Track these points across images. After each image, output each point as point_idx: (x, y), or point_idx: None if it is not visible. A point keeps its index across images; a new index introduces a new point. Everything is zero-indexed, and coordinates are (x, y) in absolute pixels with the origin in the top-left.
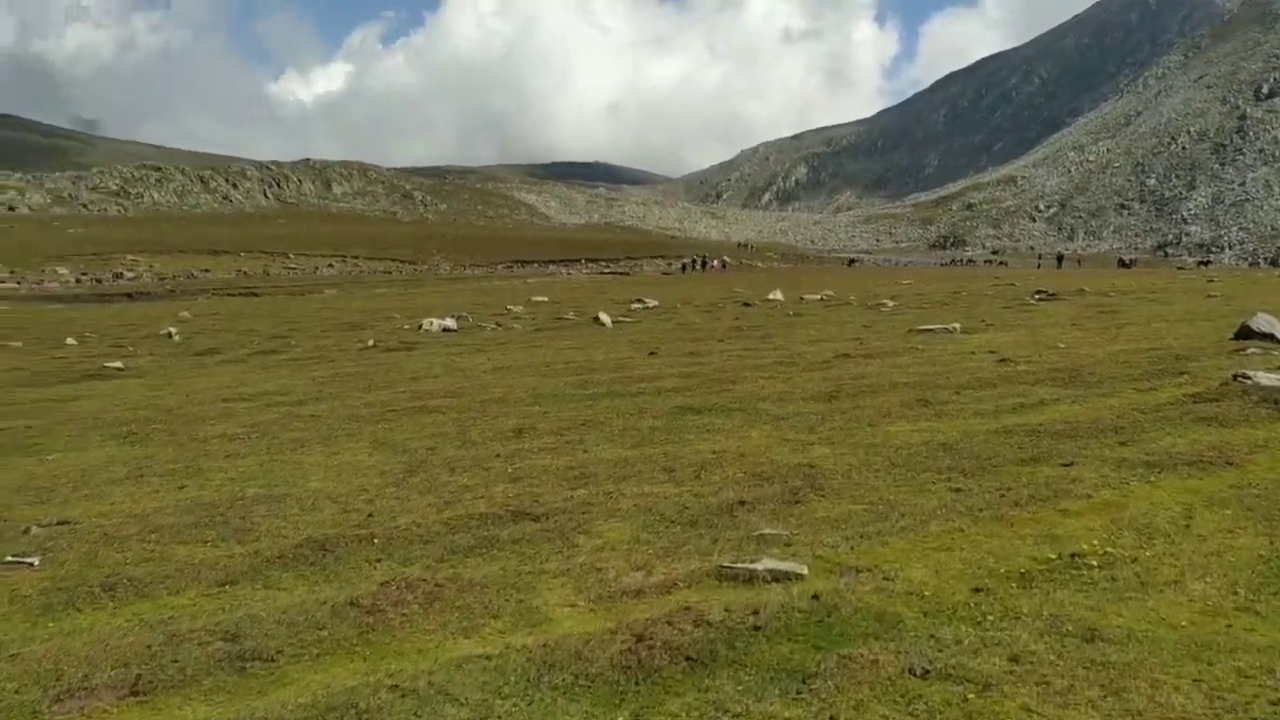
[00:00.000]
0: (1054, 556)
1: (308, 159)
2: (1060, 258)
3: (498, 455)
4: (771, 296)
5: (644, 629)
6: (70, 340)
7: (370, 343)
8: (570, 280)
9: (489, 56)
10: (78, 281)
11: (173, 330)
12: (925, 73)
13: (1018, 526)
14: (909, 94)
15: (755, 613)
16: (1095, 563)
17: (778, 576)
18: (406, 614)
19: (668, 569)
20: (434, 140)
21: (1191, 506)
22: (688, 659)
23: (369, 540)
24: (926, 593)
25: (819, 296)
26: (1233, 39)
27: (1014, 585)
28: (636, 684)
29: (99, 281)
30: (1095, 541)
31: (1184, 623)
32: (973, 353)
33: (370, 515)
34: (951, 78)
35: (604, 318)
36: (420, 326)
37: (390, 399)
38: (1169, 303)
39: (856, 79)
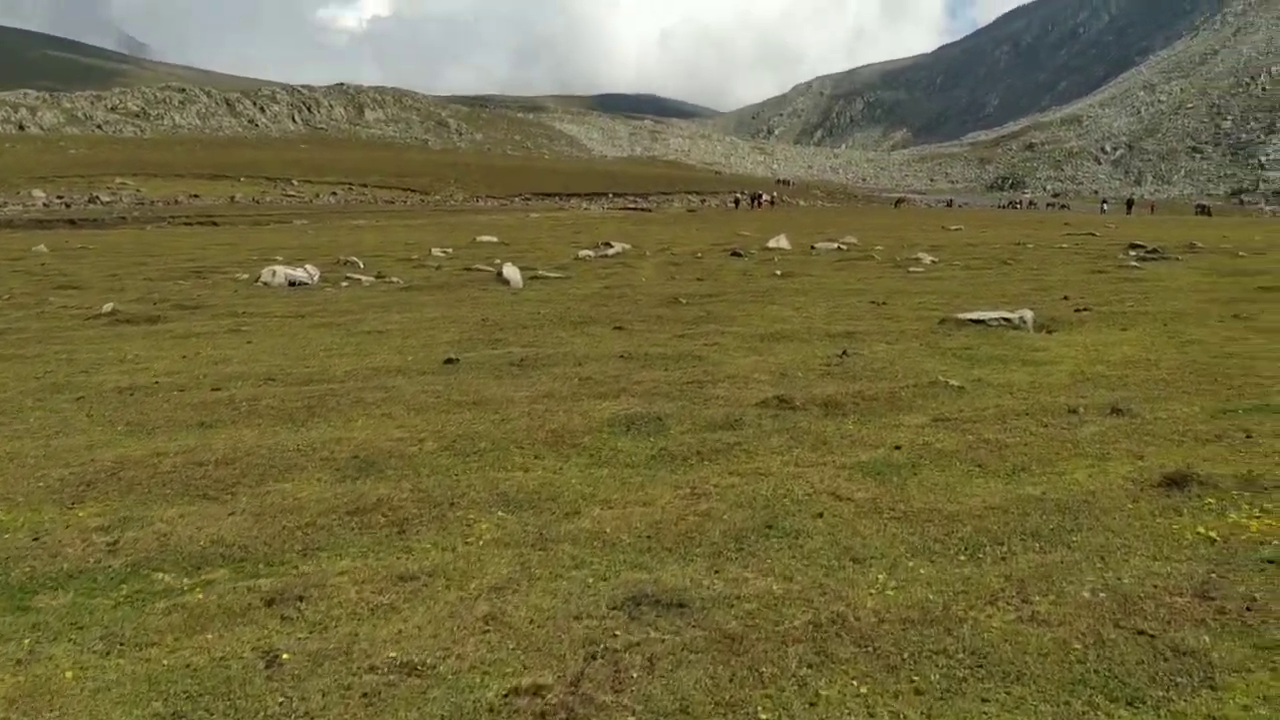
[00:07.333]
0: None
1: (341, 83)
2: (1130, 203)
3: None
4: (772, 244)
5: None
6: None
7: (109, 308)
8: (580, 216)
9: None
10: (46, 205)
11: None
12: (985, 14)
13: None
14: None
15: None
16: None
17: None
18: None
19: None
20: (486, 69)
21: None
22: None
23: None
24: None
25: (835, 246)
26: None
27: None
28: None
29: (68, 206)
30: None
31: None
32: (1073, 411)
33: None
34: (1017, 13)
35: (510, 274)
36: (259, 278)
37: None
38: None
39: (918, 13)
